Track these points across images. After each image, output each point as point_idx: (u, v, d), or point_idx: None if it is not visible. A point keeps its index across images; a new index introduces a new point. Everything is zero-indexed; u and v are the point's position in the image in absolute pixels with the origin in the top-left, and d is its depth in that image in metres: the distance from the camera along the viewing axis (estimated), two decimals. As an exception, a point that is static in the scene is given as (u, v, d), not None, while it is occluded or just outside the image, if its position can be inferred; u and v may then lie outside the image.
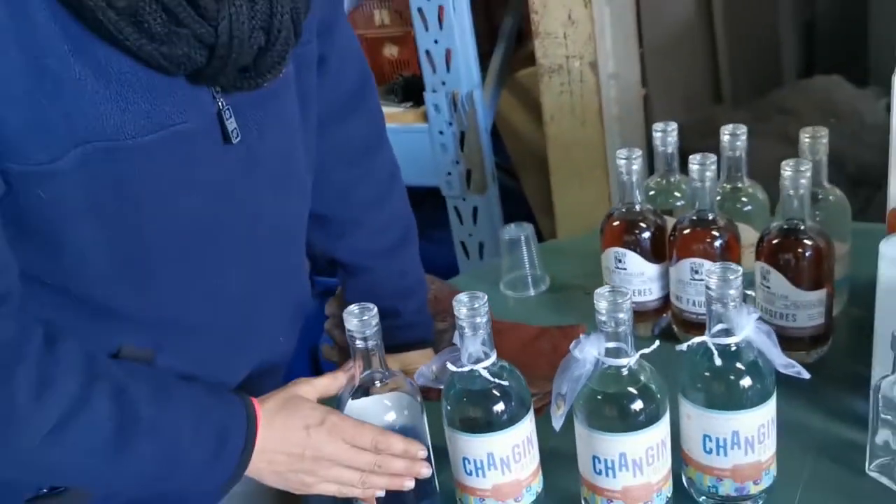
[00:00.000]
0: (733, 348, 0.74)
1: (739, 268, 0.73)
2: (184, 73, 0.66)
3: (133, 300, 0.72)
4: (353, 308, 0.77)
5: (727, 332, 0.74)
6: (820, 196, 1.02)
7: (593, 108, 1.53)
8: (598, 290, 0.72)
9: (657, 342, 0.75)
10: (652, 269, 1.04)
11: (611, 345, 0.73)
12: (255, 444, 0.72)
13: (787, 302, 0.95)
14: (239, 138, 0.72)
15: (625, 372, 0.73)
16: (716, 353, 0.74)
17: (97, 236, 0.68)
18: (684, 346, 0.76)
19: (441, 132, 1.65)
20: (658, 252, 1.03)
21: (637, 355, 0.73)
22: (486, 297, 0.74)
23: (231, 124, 0.71)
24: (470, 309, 0.74)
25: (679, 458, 0.80)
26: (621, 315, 0.71)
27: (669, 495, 0.78)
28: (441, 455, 0.82)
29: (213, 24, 0.63)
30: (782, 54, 3.20)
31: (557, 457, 0.83)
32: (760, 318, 0.76)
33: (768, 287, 0.95)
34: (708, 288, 0.73)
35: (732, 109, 2.87)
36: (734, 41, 3.04)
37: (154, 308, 0.74)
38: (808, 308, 0.94)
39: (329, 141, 0.93)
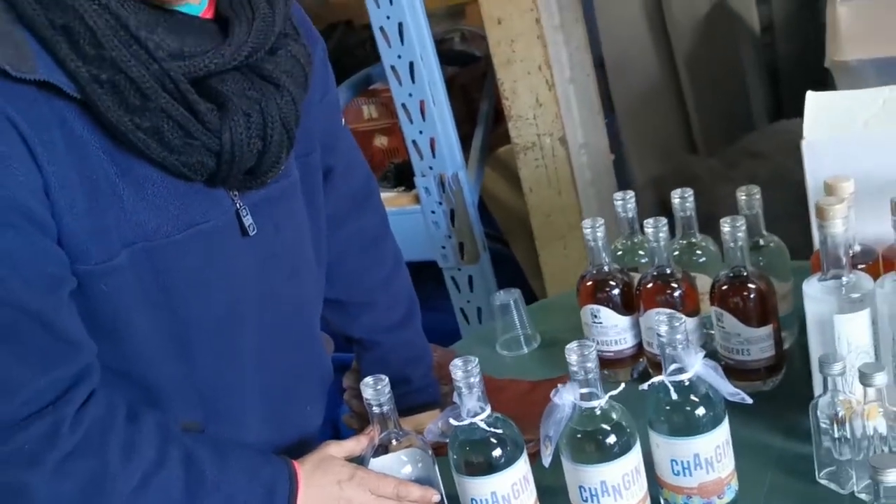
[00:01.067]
0: (686, 383, 0.89)
1: (682, 316, 0.88)
2: (201, 179, 0.82)
3: (180, 379, 0.87)
4: (369, 380, 0.92)
5: (680, 370, 0.89)
6: (761, 244, 1.17)
7: (567, 178, 1.70)
8: (567, 346, 0.87)
9: (622, 385, 0.90)
10: (624, 321, 1.18)
11: (584, 390, 0.87)
12: (296, 499, 0.87)
13: (741, 339, 1.09)
14: (255, 232, 0.88)
15: (598, 412, 0.87)
16: (672, 389, 0.88)
17: (147, 323, 0.83)
18: (646, 386, 0.91)
19: (433, 211, 1.82)
20: (628, 305, 1.18)
21: (606, 397, 0.88)
22: (477, 360, 0.89)
23: (248, 220, 0.87)
24: (465, 371, 0.88)
25: (655, 482, 0.94)
26: (589, 364, 0.86)
27: (649, 514, 0.92)
28: (454, 502, 0.96)
29: (217, 136, 0.79)
30: (751, 100, 3.37)
31: (552, 492, 0.97)
32: (706, 356, 0.90)
33: (723, 327, 1.10)
34: (659, 335, 0.88)
35: (706, 157, 3.04)
36: (701, 93, 3.20)
37: (198, 385, 0.89)
38: (759, 342, 1.09)
39: (341, 235, 1.09)
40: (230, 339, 0.89)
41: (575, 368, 0.86)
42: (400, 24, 1.66)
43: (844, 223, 0.91)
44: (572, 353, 0.86)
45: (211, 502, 0.82)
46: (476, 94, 2.08)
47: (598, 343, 1.20)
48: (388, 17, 1.66)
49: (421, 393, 1.14)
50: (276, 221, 0.91)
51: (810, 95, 1.07)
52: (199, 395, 0.88)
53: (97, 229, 0.77)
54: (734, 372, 1.12)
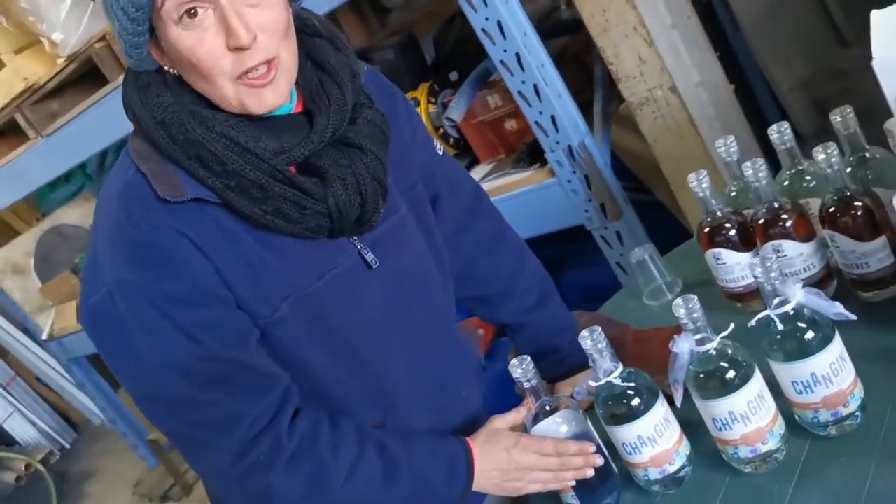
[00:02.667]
0: (791, 313, 0.99)
1: (771, 255, 0.98)
2: (324, 235, 1.04)
3: (356, 389, 1.10)
4: (515, 361, 1.09)
5: (784, 303, 0.99)
6: (867, 156, 1.21)
7: (686, 123, 1.77)
8: (675, 302, 1.00)
9: (732, 325, 1.02)
10: (745, 258, 1.27)
11: (697, 337, 1.00)
12: (474, 468, 1.06)
13: (856, 254, 1.15)
14: (378, 264, 1.09)
15: (713, 353, 1.00)
16: (777, 321, 0.99)
17: (318, 351, 1.06)
18: (754, 322, 1.01)
19: (569, 181, 1.94)
20: (746, 242, 1.27)
21: (718, 338, 1.00)
22: (600, 328, 1.04)
23: (369, 256, 1.09)
24: (592, 340, 1.03)
25: (785, 402, 1.04)
26: (695, 314, 0.99)
27: (782, 432, 1.03)
28: (609, 446, 1.11)
29: (324, 202, 1.00)
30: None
31: (697, 424, 1.09)
32: (806, 285, 0.99)
33: (838, 247, 1.17)
34: (755, 277, 0.99)
35: (855, 46, 2.90)
36: (837, -23, 3.03)
37: (370, 391, 1.11)
38: (876, 254, 1.14)
39: (466, 241, 1.28)
40: (383, 349, 1.11)
41: (685, 321, 0.99)
42: (499, 22, 1.79)
43: (916, 137, 0.96)
44: (679, 307, 0.99)
45: (405, 480, 1.03)
46: (590, 59, 2.17)
47: (726, 281, 1.31)
48: (486, 19, 1.80)
49: (572, 357, 1.30)
50: (395, 251, 1.11)
51: (874, 14, 1.10)
52: (373, 399, 1.11)
53: (259, 293, 1.01)
54: (859, 284, 1.19)
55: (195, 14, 0.92)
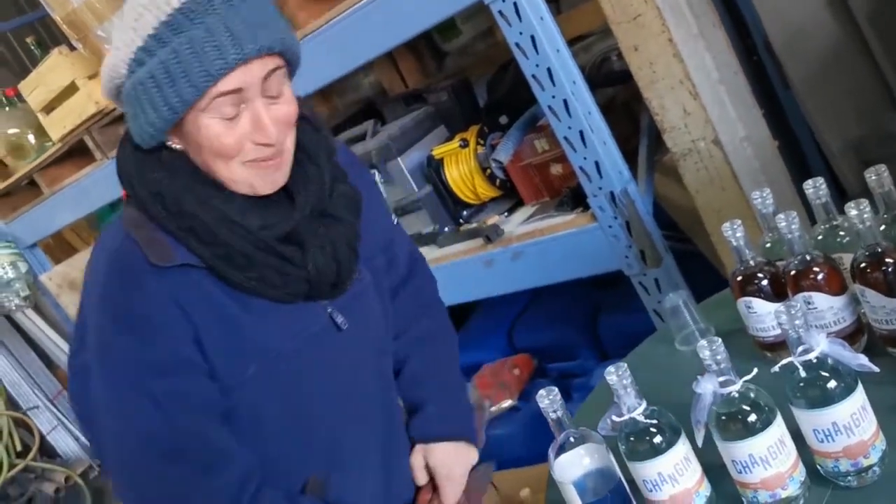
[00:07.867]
0: (814, 361, 1.01)
1: (797, 303, 1.00)
2: (301, 300, 1.12)
3: (303, 445, 1.17)
4: (542, 392, 1.12)
5: (807, 350, 1.01)
6: (901, 214, 1.23)
7: (728, 175, 1.80)
8: (699, 344, 1.03)
9: (755, 369, 1.04)
10: (777, 307, 1.29)
11: (721, 379, 1.02)
12: None
13: (887, 309, 1.17)
14: (347, 326, 1.17)
15: (735, 395, 1.02)
16: (801, 368, 1.01)
17: (279, 410, 1.13)
18: (777, 368, 1.04)
19: (610, 226, 1.98)
20: (778, 292, 1.29)
21: (741, 381, 1.02)
22: (626, 364, 1.07)
23: (339, 319, 1.17)
24: (618, 376, 1.07)
25: (807, 451, 1.05)
26: (719, 356, 1.01)
27: (802, 479, 1.04)
28: (630, 483, 1.13)
29: (304, 268, 1.09)
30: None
31: (720, 466, 1.11)
32: (830, 335, 1.02)
33: (868, 302, 1.18)
34: (780, 323, 1.01)
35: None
36: (893, 44, 3.05)
37: (318, 446, 1.18)
38: (906, 310, 1.16)
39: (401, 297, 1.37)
40: (338, 409, 1.19)
41: (709, 362, 1.02)
42: (549, 69, 1.85)
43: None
44: (704, 349, 1.02)
45: None
46: (637, 108, 2.21)
47: (757, 330, 1.33)
48: (537, 66, 1.86)
49: (436, 424, 1.35)
50: (359, 315, 1.20)
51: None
52: (321, 455, 1.19)
53: (232, 353, 1.09)
54: (889, 340, 1.20)
55: (234, 115, 1.01)
